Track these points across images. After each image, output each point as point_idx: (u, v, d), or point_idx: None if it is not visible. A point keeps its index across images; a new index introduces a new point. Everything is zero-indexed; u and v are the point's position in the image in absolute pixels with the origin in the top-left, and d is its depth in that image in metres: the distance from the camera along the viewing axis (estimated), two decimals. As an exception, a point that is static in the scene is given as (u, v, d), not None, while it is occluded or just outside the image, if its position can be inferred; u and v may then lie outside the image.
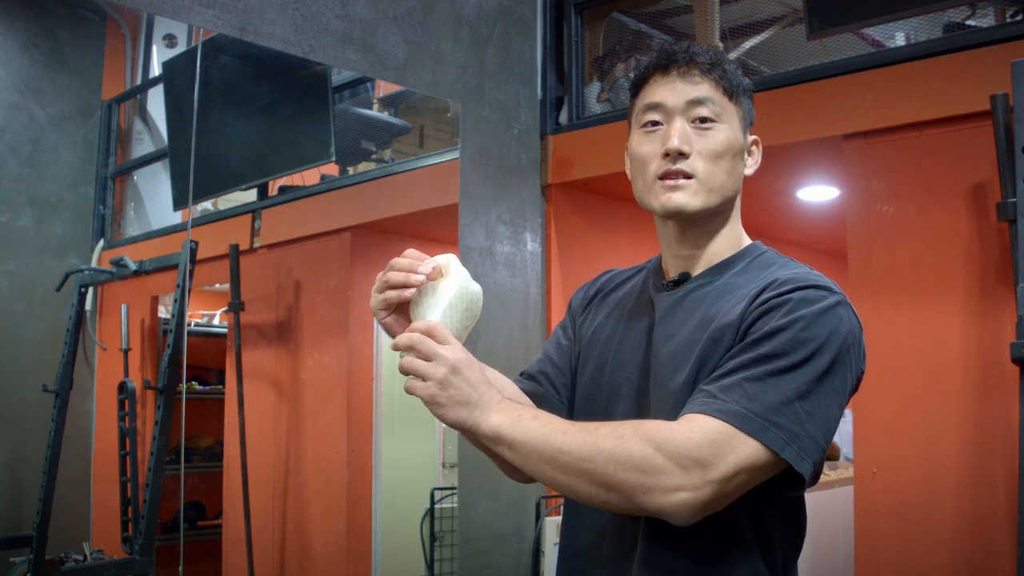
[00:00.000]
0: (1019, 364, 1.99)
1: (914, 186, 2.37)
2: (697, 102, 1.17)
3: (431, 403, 1.06)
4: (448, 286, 1.12)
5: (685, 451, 1.00)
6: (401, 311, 1.15)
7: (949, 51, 2.30)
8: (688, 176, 1.16)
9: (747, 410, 1.02)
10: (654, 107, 1.19)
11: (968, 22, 2.39)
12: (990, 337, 2.19)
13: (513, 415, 1.06)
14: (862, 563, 2.34)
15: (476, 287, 1.14)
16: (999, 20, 2.36)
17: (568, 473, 1.03)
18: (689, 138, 1.17)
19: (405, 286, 1.10)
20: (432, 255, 1.15)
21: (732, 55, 3.06)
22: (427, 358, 1.06)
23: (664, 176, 1.17)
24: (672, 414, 1.11)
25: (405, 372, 1.08)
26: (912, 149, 2.37)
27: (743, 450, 1.01)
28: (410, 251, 1.14)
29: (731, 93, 1.19)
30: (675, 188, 1.16)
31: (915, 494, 2.27)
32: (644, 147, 1.20)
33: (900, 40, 2.58)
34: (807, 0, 2.53)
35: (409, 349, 1.07)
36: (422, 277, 1.10)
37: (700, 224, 1.21)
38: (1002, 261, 2.19)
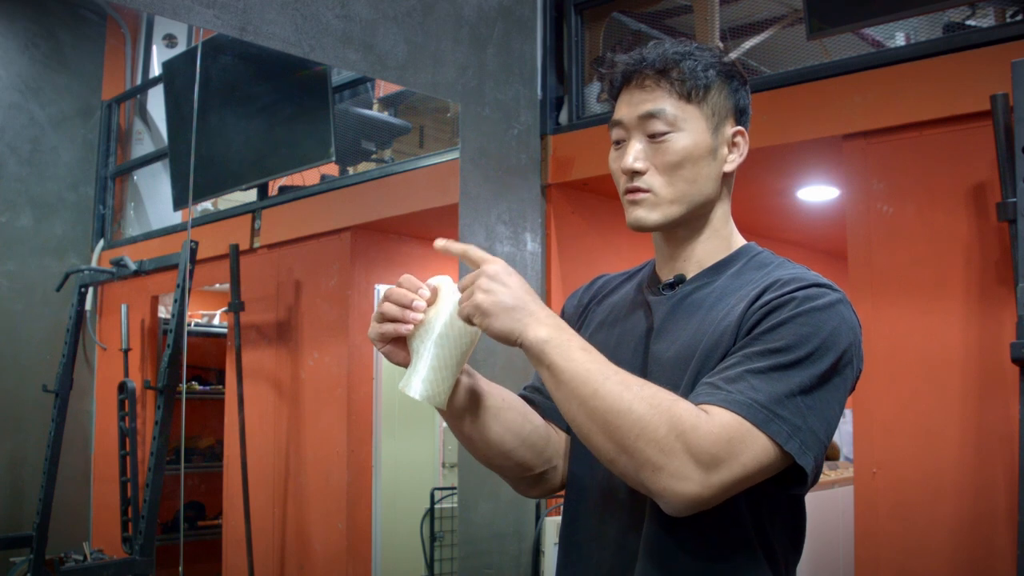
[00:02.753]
0: (1019, 364, 1.99)
1: (914, 186, 2.37)
2: (648, 116, 1.16)
3: (478, 312, 1.05)
4: (438, 315, 1.10)
5: (704, 446, 0.98)
6: (399, 339, 1.13)
7: (949, 51, 2.30)
8: (645, 191, 1.17)
9: (752, 400, 1.01)
10: (615, 124, 1.20)
11: (968, 22, 2.39)
12: (990, 337, 2.19)
13: (563, 336, 1.05)
14: (862, 563, 2.34)
15: None
16: (999, 20, 2.36)
17: (593, 419, 1.01)
18: (643, 154, 1.17)
19: (402, 321, 1.10)
20: (428, 271, 1.14)
21: (732, 55, 3.05)
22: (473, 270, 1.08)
23: (626, 192, 1.19)
24: None
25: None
26: (912, 149, 2.37)
27: (754, 448, 1.00)
28: (405, 279, 1.12)
29: (689, 95, 1.16)
30: (635, 204, 1.18)
31: (915, 494, 2.27)
32: (614, 164, 1.21)
33: (900, 40, 2.58)
34: (807, 0, 2.53)
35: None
36: (419, 316, 1.10)
37: (680, 230, 1.21)
38: (1002, 261, 2.19)
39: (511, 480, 1.28)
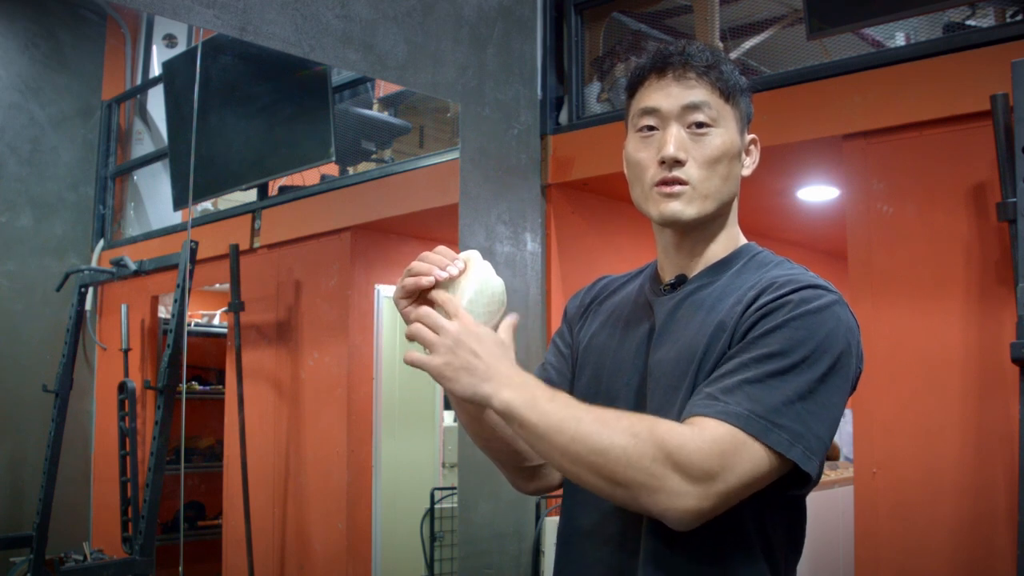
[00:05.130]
0: (1019, 364, 1.99)
1: (914, 186, 2.37)
2: (693, 107, 1.16)
3: (438, 375, 1.05)
4: (469, 282, 1.13)
5: (695, 461, 0.99)
6: (424, 302, 1.15)
7: (949, 51, 2.30)
8: (683, 183, 1.16)
9: (749, 411, 1.02)
10: (649, 112, 1.18)
11: (968, 22, 2.39)
12: (990, 337, 2.19)
13: (528, 394, 1.05)
14: (862, 563, 2.34)
15: (498, 281, 1.15)
16: (999, 20, 2.36)
17: (578, 463, 1.03)
18: (684, 144, 1.16)
19: (427, 275, 1.11)
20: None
21: (732, 55, 3.06)
22: (434, 331, 1.07)
23: (660, 184, 1.17)
24: (673, 419, 1.11)
25: (411, 339, 1.08)
26: (912, 149, 2.37)
27: (749, 458, 1.01)
28: (441, 248, 1.14)
29: (728, 95, 1.18)
30: (671, 197, 1.16)
31: (915, 494, 2.27)
32: (640, 153, 1.19)
33: (900, 40, 2.58)
34: (807, 0, 2.53)
35: (413, 336, 1.07)
36: (444, 274, 1.11)
37: (698, 230, 1.21)
38: (1002, 261, 2.19)
39: (507, 471, 1.29)
